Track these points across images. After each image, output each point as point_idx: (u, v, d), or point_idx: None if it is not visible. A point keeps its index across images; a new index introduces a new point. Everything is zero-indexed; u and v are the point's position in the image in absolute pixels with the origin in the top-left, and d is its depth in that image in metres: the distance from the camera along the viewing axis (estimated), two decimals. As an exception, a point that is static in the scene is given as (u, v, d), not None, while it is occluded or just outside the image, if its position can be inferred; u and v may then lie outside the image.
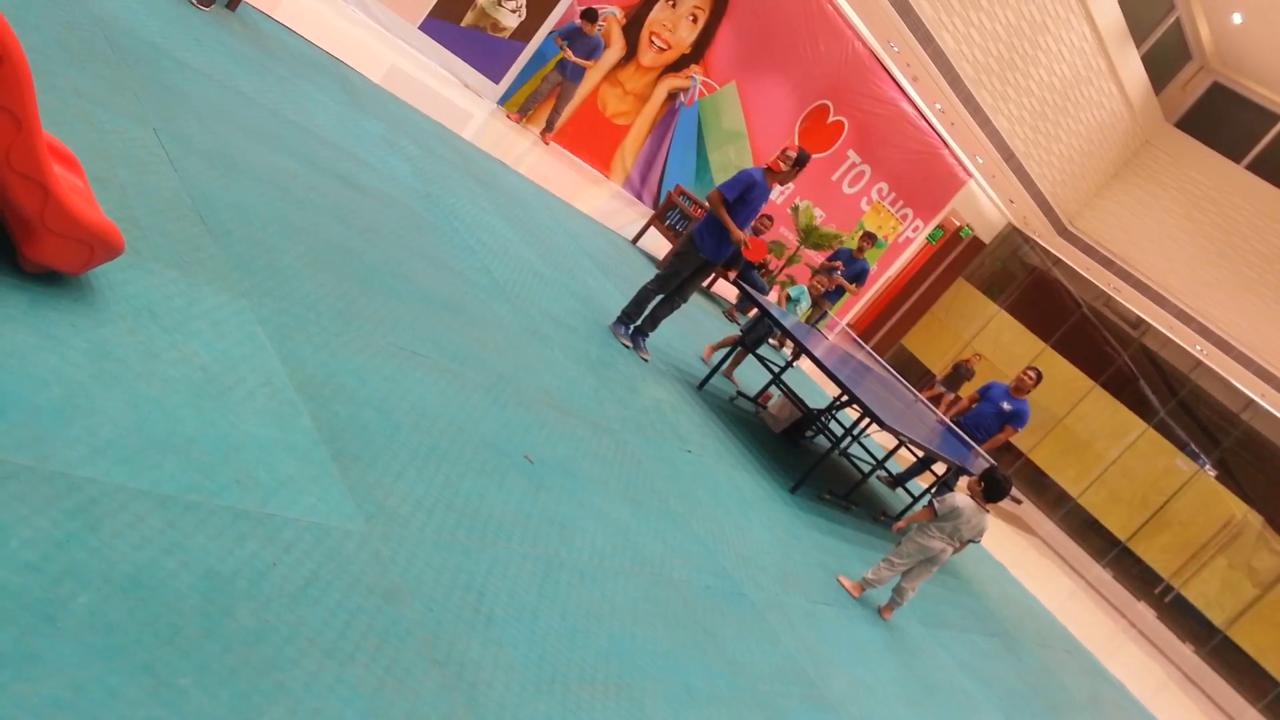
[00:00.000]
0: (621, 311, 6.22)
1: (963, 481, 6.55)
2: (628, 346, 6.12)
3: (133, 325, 2.65)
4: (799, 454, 7.05)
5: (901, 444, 7.45)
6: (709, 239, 6.07)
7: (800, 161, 6.03)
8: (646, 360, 6.25)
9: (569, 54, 10.10)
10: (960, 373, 15.34)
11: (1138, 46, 14.54)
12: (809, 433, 7.38)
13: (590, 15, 10.06)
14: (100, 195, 3.02)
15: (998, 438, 8.57)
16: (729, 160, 12.79)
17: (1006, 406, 8.47)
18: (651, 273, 9.08)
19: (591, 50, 10.32)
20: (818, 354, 6.61)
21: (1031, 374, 8.42)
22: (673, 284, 6.17)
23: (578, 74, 10.35)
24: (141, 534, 2.07)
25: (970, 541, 5.35)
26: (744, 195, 5.96)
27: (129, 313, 2.69)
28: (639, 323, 6.26)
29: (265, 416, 2.74)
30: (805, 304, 7.97)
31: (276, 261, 3.63)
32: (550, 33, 10.21)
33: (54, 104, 3.40)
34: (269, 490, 2.49)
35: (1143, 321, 16.41)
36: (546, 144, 10.66)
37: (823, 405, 7.66)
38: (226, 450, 2.50)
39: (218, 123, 4.41)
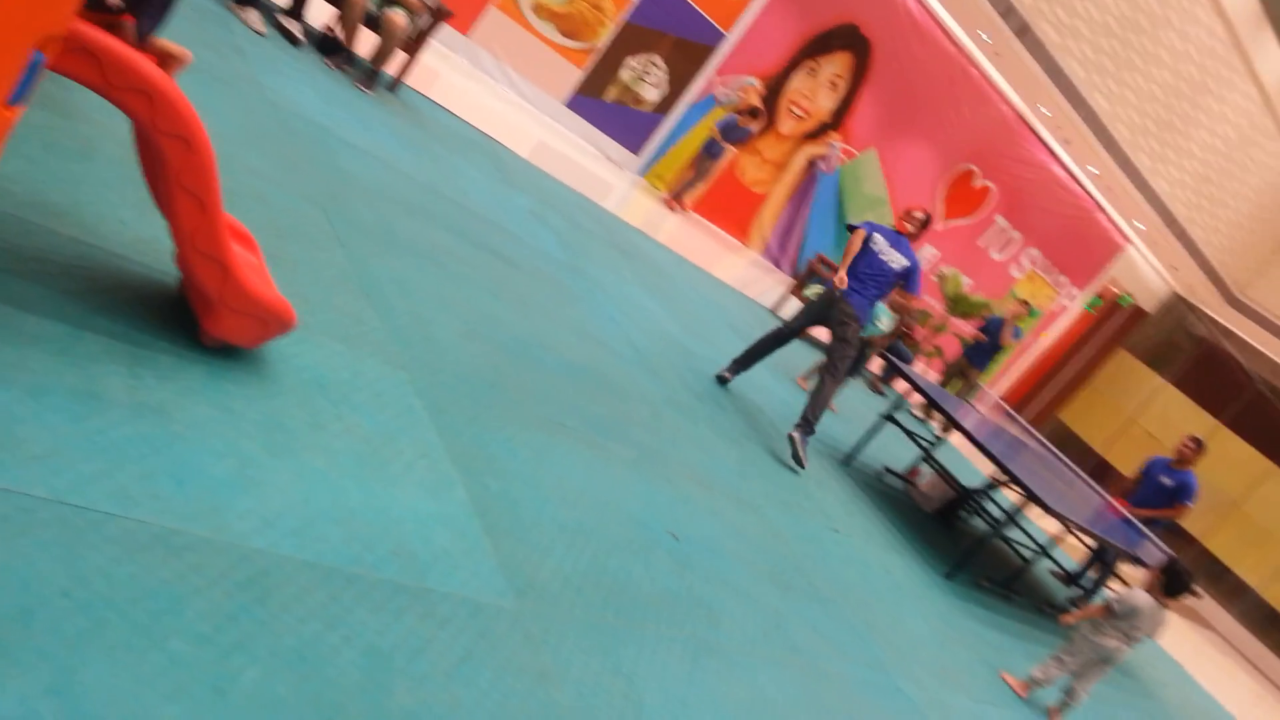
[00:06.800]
0: (805, 419, 5.68)
1: (1141, 574, 6.03)
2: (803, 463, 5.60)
3: (302, 398, 2.73)
4: (953, 536, 6.67)
5: (1067, 529, 6.94)
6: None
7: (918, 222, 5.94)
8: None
9: (730, 149, 10.54)
10: None
11: (1313, 103, 13.57)
12: (962, 512, 6.98)
13: (755, 113, 10.47)
14: (273, 271, 3.15)
15: (1168, 516, 7.90)
16: (870, 228, 12.58)
17: (1167, 482, 7.79)
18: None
19: (743, 139, 10.62)
20: (968, 427, 6.28)
21: (1191, 444, 7.74)
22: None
23: (721, 153, 10.57)
24: (307, 607, 2.07)
25: (1145, 638, 4.89)
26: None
27: (298, 385, 2.77)
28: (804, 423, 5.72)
29: (422, 489, 2.75)
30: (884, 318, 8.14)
31: (433, 335, 3.70)
32: (703, 108, 10.46)
33: (231, 184, 3.59)
34: (425, 564, 2.48)
35: (1328, 397, 14.99)
36: (682, 210, 10.81)
37: (976, 484, 7.25)
38: (386, 522, 2.51)
39: (380, 200, 4.61)
